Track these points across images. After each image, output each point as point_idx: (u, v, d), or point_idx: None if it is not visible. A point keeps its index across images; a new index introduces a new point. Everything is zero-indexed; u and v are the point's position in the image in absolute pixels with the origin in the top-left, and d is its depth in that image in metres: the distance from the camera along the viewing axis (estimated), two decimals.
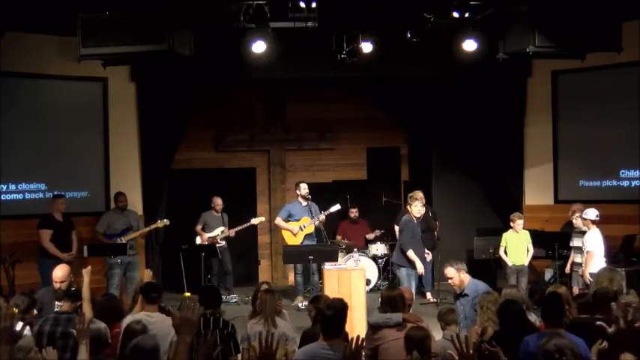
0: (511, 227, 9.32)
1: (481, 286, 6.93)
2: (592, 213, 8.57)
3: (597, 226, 8.51)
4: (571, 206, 9.52)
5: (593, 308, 5.08)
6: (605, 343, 4.10)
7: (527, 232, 9.43)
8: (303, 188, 10.17)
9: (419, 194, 9.52)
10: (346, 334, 5.46)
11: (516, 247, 9.32)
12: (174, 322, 3.75)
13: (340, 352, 4.24)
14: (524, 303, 5.63)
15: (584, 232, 8.57)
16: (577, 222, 8.76)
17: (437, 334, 5.76)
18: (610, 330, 3.26)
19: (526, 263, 9.31)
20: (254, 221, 10.45)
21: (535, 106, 10.70)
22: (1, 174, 9.21)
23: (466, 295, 6.84)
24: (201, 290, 6.66)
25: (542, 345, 3.59)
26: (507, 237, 9.39)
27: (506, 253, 9.35)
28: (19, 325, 4.34)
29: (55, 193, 9.35)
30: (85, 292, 5.79)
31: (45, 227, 8.83)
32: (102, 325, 4.91)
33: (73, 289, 6.04)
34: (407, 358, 4.66)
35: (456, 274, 6.89)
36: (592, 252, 8.26)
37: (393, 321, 5.40)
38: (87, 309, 5.56)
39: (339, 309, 4.55)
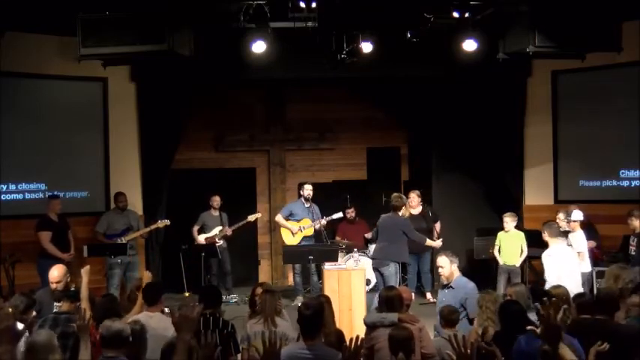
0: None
1: (470, 284, 6.93)
2: (579, 214, 8.64)
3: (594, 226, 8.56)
4: (569, 207, 9.53)
5: (593, 308, 5.06)
6: (605, 345, 4.11)
7: (522, 232, 9.46)
8: (307, 189, 10.26)
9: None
10: (341, 334, 5.49)
11: (508, 246, 9.38)
12: (174, 320, 3.76)
13: (320, 352, 4.24)
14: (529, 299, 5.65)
15: (565, 233, 8.63)
16: (562, 223, 8.78)
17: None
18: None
19: (518, 264, 9.34)
20: (250, 218, 10.45)
21: (535, 106, 10.70)
22: (1, 174, 9.21)
23: (452, 287, 6.86)
24: (202, 290, 6.67)
25: (541, 345, 3.60)
26: (501, 237, 9.45)
27: (500, 253, 9.40)
28: (20, 326, 4.35)
29: (51, 193, 9.33)
30: (84, 292, 5.78)
31: (44, 229, 8.79)
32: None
33: (72, 289, 6.04)
34: (391, 358, 4.66)
35: (448, 265, 6.92)
36: (583, 252, 8.29)
37: (388, 320, 5.40)
38: (84, 308, 5.55)
39: (317, 308, 4.51)
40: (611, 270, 6.19)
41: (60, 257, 8.54)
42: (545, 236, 7.65)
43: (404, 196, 9.26)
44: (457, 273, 7.02)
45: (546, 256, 7.54)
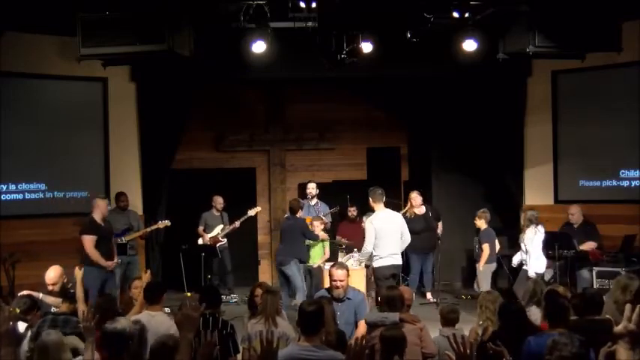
0: None
1: (361, 294, 6.72)
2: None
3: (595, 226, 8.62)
4: (570, 207, 9.54)
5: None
6: (614, 346, 4.10)
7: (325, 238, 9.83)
8: (308, 188, 10.47)
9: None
10: (343, 334, 5.48)
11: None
12: (177, 319, 3.77)
13: (322, 351, 4.23)
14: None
15: None
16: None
17: (434, 334, 5.79)
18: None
19: (314, 265, 9.65)
20: (250, 212, 10.45)
21: (535, 106, 10.69)
22: (1, 174, 9.21)
23: (349, 299, 6.46)
24: (202, 290, 6.67)
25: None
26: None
27: None
28: (22, 327, 4.35)
29: (99, 195, 8.96)
30: (79, 293, 5.78)
31: (88, 232, 8.28)
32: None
33: (72, 290, 6.04)
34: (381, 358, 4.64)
35: (346, 278, 6.46)
36: None
37: (390, 320, 5.40)
38: (81, 309, 5.55)
39: (320, 305, 4.53)
40: (619, 280, 5.94)
41: (103, 265, 8.15)
42: (370, 202, 8.22)
43: (301, 200, 9.93)
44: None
45: (373, 219, 8.10)
